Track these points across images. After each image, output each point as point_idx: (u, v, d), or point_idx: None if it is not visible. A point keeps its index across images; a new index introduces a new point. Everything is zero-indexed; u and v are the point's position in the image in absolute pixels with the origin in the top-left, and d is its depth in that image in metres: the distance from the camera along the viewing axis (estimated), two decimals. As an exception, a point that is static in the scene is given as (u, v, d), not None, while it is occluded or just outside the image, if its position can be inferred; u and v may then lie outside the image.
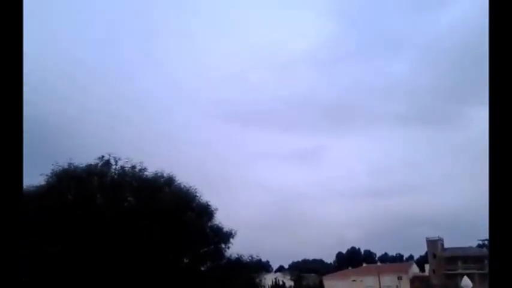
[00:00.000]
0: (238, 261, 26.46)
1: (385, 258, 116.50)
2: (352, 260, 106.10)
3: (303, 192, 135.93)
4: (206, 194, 26.51)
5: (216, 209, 26.26)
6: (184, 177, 26.10)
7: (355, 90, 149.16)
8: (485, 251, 73.29)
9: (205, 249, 26.63)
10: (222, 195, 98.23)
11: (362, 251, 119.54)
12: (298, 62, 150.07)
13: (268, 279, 69.25)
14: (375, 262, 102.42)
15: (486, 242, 77.68)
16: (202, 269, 26.56)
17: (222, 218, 26.91)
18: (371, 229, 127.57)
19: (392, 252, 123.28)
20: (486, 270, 68.30)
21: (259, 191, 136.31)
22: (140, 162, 24.30)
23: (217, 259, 26.64)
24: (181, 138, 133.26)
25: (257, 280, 29.73)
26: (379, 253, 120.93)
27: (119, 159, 23.78)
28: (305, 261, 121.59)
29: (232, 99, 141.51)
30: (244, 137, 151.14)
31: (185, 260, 25.77)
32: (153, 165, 25.35)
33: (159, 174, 24.79)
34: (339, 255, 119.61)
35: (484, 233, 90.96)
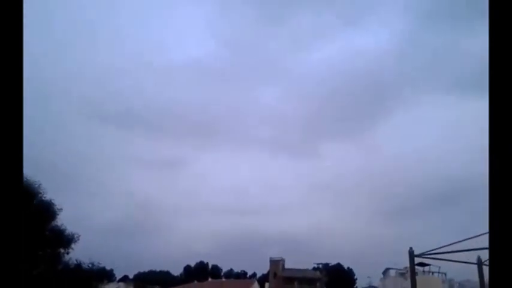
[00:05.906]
0: (77, 268, 24.96)
1: (230, 274, 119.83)
2: (199, 273, 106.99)
3: (160, 202, 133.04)
4: (54, 193, 24.58)
5: (61, 210, 24.46)
6: (34, 174, 23.80)
7: (229, 109, 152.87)
8: (318, 273, 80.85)
9: (41, 252, 24.49)
10: (73, 196, 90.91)
11: (210, 265, 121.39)
12: (177, 71, 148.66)
13: (110, 288, 65.99)
14: (221, 277, 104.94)
15: (321, 266, 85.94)
16: (35, 273, 24.32)
17: (67, 221, 25.22)
18: (222, 244, 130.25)
19: (237, 269, 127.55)
20: (317, 292, 75.31)
21: (116, 196, 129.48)
22: None
23: (53, 264, 24.71)
24: (43, 134, 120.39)
25: (96, 289, 28.29)
26: (225, 269, 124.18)
27: None
28: (152, 272, 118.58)
29: (104, 100, 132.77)
30: (111, 138, 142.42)
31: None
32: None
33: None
34: (187, 268, 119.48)
35: (319, 257, 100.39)
